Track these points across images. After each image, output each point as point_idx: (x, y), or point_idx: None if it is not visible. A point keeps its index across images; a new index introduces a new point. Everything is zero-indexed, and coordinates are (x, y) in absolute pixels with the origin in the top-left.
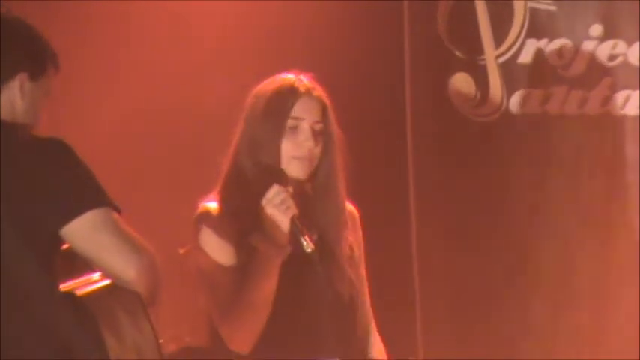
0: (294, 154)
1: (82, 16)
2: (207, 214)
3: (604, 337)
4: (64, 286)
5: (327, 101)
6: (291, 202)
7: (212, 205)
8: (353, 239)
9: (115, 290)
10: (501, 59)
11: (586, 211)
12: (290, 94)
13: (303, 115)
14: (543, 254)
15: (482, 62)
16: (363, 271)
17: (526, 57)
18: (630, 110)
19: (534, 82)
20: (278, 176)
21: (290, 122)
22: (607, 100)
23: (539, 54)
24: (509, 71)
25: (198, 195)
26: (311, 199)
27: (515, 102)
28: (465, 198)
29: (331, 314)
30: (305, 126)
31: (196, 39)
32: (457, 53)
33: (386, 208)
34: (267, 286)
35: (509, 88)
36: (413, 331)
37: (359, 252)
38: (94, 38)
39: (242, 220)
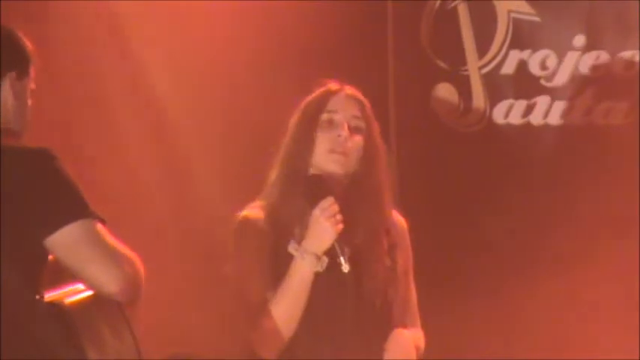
0: (329, 146)
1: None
2: (246, 223)
3: (603, 336)
4: (48, 296)
5: (366, 101)
6: (340, 218)
7: (253, 211)
8: (399, 250)
9: (97, 301)
10: (484, 70)
11: (571, 220)
12: (326, 92)
13: (337, 109)
14: (528, 261)
15: (465, 73)
16: (408, 280)
17: (509, 68)
18: (613, 120)
19: (517, 92)
20: (326, 186)
21: (324, 115)
22: (590, 110)
23: (522, 65)
24: (493, 82)
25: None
26: (348, 198)
27: (498, 112)
28: (449, 207)
29: (358, 324)
30: (339, 118)
31: (188, 39)
32: (440, 64)
33: None
34: (301, 295)
35: (493, 99)
36: None
37: (404, 263)
38: (91, 41)
39: (283, 228)
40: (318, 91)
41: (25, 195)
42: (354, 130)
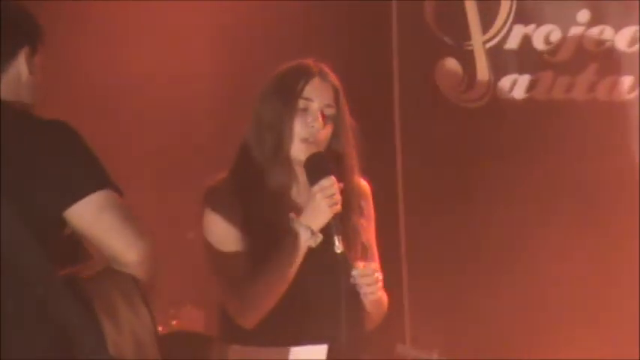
0: (303, 135)
1: (75, 15)
2: (213, 194)
3: (601, 324)
4: (64, 272)
5: (340, 87)
6: (339, 199)
7: (220, 184)
8: (364, 218)
9: (113, 275)
10: (489, 45)
11: (573, 195)
12: (302, 74)
13: (313, 97)
14: (530, 238)
15: (469, 48)
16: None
17: (513, 43)
18: (617, 96)
19: (521, 67)
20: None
21: (301, 103)
22: (594, 85)
23: (526, 40)
24: (497, 57)
25: (192, 183)
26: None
27: (502, 87)
28: (452, 182)
29: (342, 298)
30: (315, 107)
31: (190, 33)
32: (445, 39)
33: (373, 195)
34: (291, 267)
35: (497, 74)
36: (401, 317)
37: (368, 225)
38: (87, 34)
39: (252, 200)
40: (293, 68)
41: (44, 168)
42: (326, 118)
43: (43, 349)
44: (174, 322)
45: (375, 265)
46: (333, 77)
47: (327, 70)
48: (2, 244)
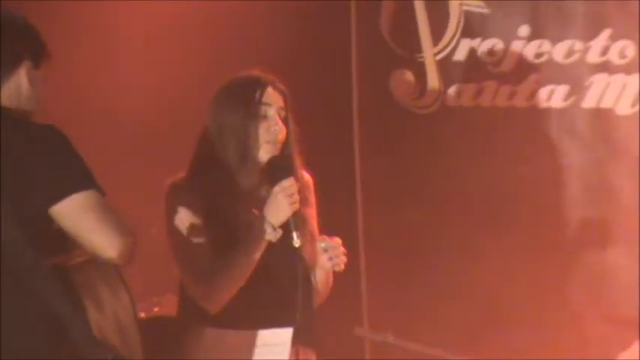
0: (267, 138)
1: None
2: (176, 189)
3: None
4: (52, 261)
5: (288, 93)
6: (298, 198)
7: (181, 182)
8: (309, 207)
9: (96, 264)
10: (438, 56)
11: (514, 195)
12: (258, 83)
13: (270, 102)
14: (478, 236)
15: (421, 59)
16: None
17: (461, 55)
18: (554, 103)
19: (468, 77)
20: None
21: (262, 108)
22: (533, 94)
23: (472, 52)
24: (446, 67)
25: (161, 175)
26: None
27: (450, 95)
28: (407, 183)
29: (299, 286)
30: (272, 112)
31: (159, 34)
32: (399, 51)
33: (333, 198)
34: (253, 259)
35: (446, 83)
36: (359, 301)
37: (312, 213)
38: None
39: (214, 197)
40: (248, 78)
41: (32, 167)
42: (282, 121)
43: (33, 336)
44: (156, 309)
45: (338, 240)
46: (281, 85)
47: (275, 78)
48: None
